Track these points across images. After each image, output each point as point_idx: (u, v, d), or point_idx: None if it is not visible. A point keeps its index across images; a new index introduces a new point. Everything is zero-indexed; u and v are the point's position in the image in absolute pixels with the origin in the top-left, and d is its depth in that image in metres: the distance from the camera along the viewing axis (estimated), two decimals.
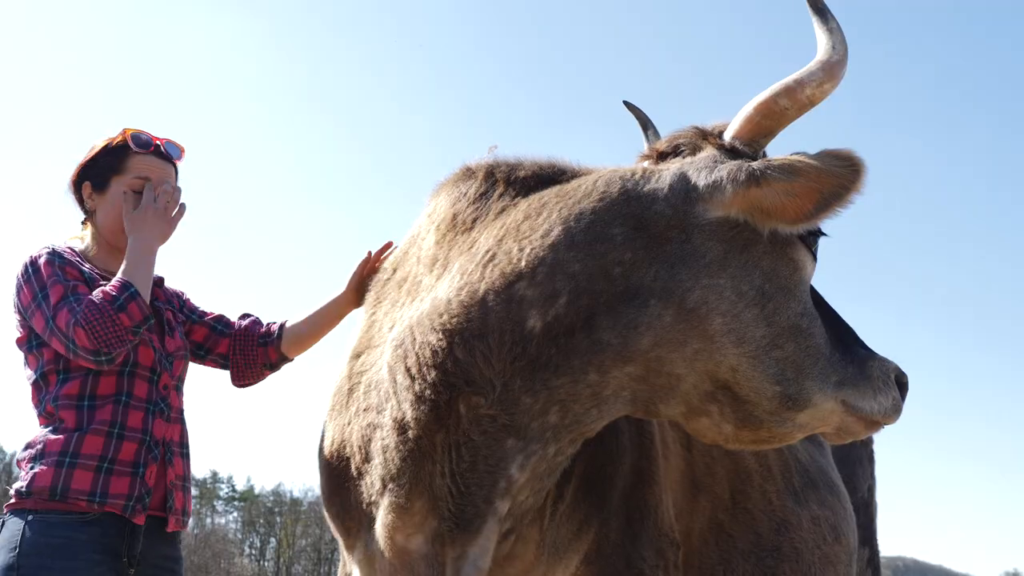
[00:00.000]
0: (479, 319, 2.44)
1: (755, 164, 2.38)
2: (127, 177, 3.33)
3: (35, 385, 3.21)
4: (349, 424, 2.75)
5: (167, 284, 3.60)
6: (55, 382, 3.14)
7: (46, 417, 3.16)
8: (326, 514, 2.92)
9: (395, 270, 2.93)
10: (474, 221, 2.68)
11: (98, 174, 3.37)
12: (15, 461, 3.19)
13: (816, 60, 2.43)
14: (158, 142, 3.40)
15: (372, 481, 2.64)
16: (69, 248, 3.31)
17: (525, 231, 2.49)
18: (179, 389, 3.42)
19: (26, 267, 3.16)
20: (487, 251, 2.52)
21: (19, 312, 3.16)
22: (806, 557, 3.44)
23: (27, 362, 3.23)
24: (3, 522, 3.06)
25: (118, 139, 3.38)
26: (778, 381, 2.40)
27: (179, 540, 3.38)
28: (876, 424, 2.59)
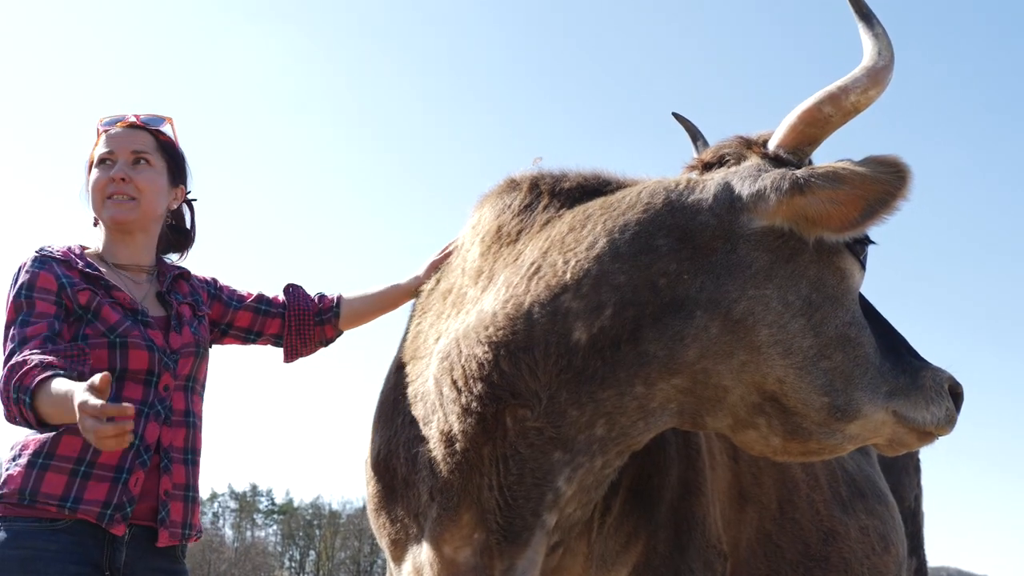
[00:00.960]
0: (525, 331, 2.44)
1: (799, 172, 2.37)
2: (97, 152, 3.21)
3: None
4: (395, 435, 2.75)
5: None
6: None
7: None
8: (372, 525, 2.92)
9: (439, 281, 2.94)
10: (519, 233, 2.68)
11: (87, 171, 3.24)
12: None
13: (861, 66, 2.41)
14: (130, 118, 3.24)
15: (419, 493, 2.64)
16: (66, 249, 3.12)
17: (570, 243, 2.49)
18: (189, 389, 3.14)
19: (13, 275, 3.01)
20: (532, 263, 2.52)
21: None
22: (855, 567, 3.40)
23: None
24: None
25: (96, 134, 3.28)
26: (826, 392, 2.37)
27: (180, 553, 3.09)
28: (929, 435, 2.53)
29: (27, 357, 2.73)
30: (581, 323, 2.40)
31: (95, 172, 3.17)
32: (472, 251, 2.80)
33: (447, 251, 3.14)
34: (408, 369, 2.80)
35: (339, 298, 3.54)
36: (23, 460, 2.84)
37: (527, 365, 2.43)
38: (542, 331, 2.42)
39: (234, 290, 3.50)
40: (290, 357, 3.52)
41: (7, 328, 2.90)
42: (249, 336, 3.47)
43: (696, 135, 3.40)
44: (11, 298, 2.94)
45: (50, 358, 2.74)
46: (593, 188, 2.71)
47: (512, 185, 2.84)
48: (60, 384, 2.59)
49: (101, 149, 3.18)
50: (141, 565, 2.90)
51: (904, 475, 4.42)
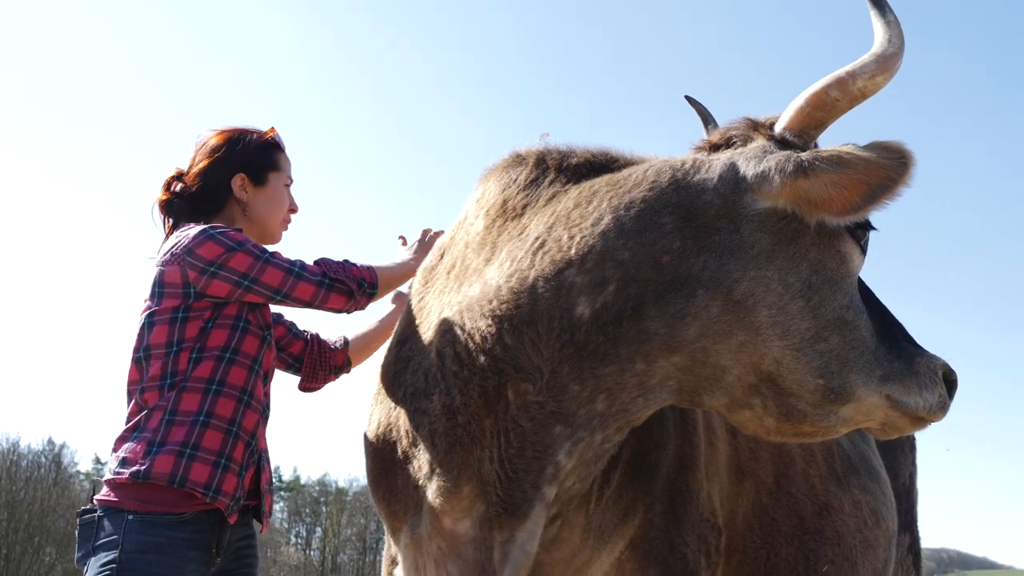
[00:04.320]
0: (528, 305, 2.47)
1: (803, 155, 2.38)
2: (282, 175, 3.53)
3: (154, 360, 3.14)
4: (396, 408, 2.78)
5: None
6: (187, 361, 3.11)
7: (157, 401, 3.11)
8: (372, 497, 2.95)
9: (443, 255, 2.94)
10: (524, 207, 2.69)
11: (257, 168, 3.47)
12: (116, 439, 3.15)
13: (870, 52, 2.41)
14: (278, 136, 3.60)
15: (420, 465, 2.67)
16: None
17: (575, 219, 2.51)
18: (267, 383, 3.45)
19: (209, 232, 3.15)
20: (537, 238, 2.54)
21: (204, 272, 3.10)
22: (847, 540, 3.44)
23: (149, 333, 3.14)
24: (99, 518, 3.08)
25: (268, 134, 3.54)
26: (821, 374, 2.40)
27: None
28: (921, 420, 2.55)
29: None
30: (584, 298, 2.43)
31: (285, 194, 3.55)
32: (476, 224, 2.80)
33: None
34: (410, 343, 2.81)
35: (345, 337, 3.90)
36: (168, 447, 3.05)
37: (530, 339, 2.45)
38: (546, 305, 2.45)
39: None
40: (306, 381, 3.83)
41: (260, 254, 3.16)
42: (277, 347, 3.70)
43: (708, 118, 3.39)
44: (239, 243, 3.15)
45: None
46: (600, 165, 2.72)
47: (518, 159, 2.85)
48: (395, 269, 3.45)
49: (288, 172, 3.57)
50: (233, 537, 3.24)
51: (899, 454, 4.46)
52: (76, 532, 3.16)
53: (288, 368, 3.77)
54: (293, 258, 3.19)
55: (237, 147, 3.46)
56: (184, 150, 3.57)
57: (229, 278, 3.10)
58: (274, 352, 3.42)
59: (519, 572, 2.57)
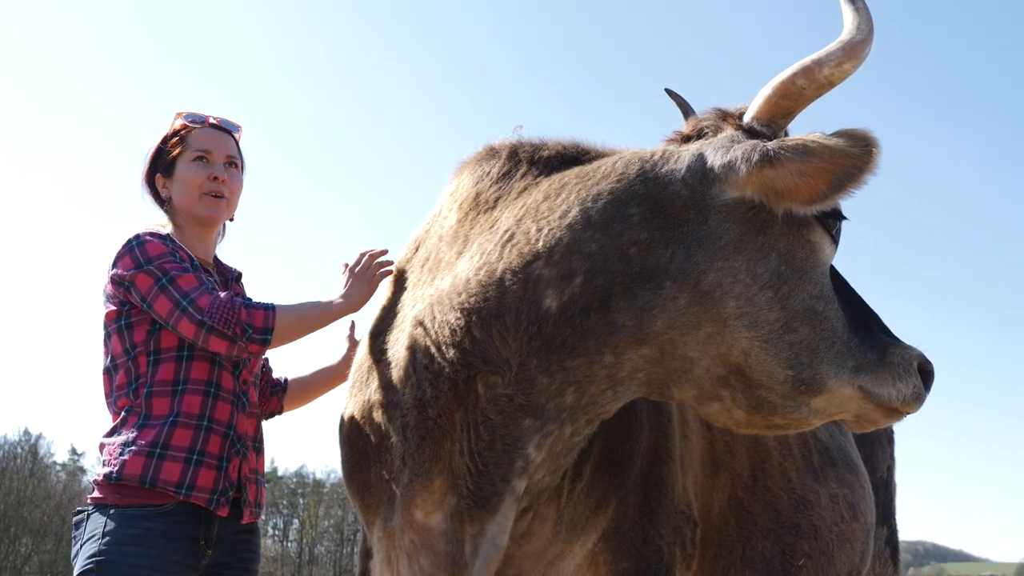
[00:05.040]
0: (496, 298, 2.46)
1: (769, 144, 2.36)
2: (189, 152, 3.44)
3: (119, 369, 3.23)
4: (369, 401, 2.77)
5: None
6: (145, 364, 3.18)
7: (129, 406, 3.20)
8: (347, 490, 2.95)
9: (417, 248, 2.94)
10: (496, 200, 2.69)
11: (165, 161, 3.48)
12: (98, 445, 3.27)
13: (838, 40, 2.39)
14: (212, 119, 3.53)
15: (392, 458, 2.67)
16: (162, 233, 3.34)
17: (544, 211, 2.50)
18: (255, 385, 3.50)
19: (131, 244, 3.21)
20: (506, 231, 2.53)
21: (120, 286, 3.18)
22: (824, 534, 3.44)
23: (110, 343, 3.25)
24: (88, 515, 3.16)
25: (175, 125, 3.50)
26: (791, 365, 2.37)
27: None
28: (895, 412, 2.51)
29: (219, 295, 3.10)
30: (552, 291, 2.42)
31: (193, 168, 3.43)
32: (449, 218, 2.80)
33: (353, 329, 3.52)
34: (384, 336, 2.81)
35: (286, 378, 3.82)
36: (138, 448, 3.10)
37: (498, 332, 2.44)
38: (513, 298, 2.44)
39: None
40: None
41: (160, 277, 3.11)
42: None
43: (688, 111, 3.33)
44: (148, 260, 3.14)
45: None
46: (572, 157, 2.72)
47: (491, 153, 2.85)
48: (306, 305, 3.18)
49: (197, 146, 3.45)
50: (226, 531, 3.25)
51: (877, 446, 4.45)
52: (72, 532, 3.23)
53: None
54: (206, 289, 3.11)
55: (152, 151, 3.52)
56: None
57: (136, 296, 3.15)
58: None
59: (490, 565, 2.56)
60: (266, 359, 3.74)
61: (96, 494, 3.17)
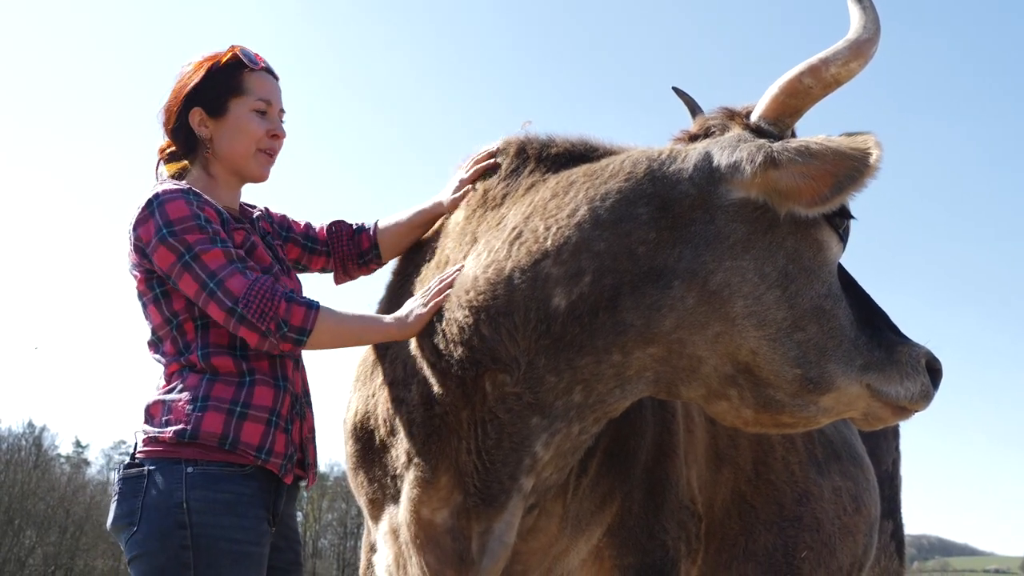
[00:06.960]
0: (505, 296, 2.46)
1: (774, 145, 2.36)
2: (249, 99, 2.94)
3: (164, 340, 2.80)
4: (374, 396, 2.78)
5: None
6: (193, 331, 2.75)
7: (188, 366, 2.76)
8: (351, 484, 2.96)
9: (422, 244, 2.95)
10: (504, 197, 2.70)
11: (213, 97, 2.93)
12: (150, 405, 2.75)
13: (844, 38, 2.39)
14: (263, 62, 3.02)
15: (398, 454, 2.68)
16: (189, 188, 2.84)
17: (552, 209, 2.50)
18: None
19: (151, 205, 2.74)
20: (514, 228, 2.53)
21: (144, 257, 2.75)
22: (826, 527, 3.45)
23: (149, 315, 2.81)
24: (149, 471, 2.66)
25: (227, 56, 2.96)
26: (799, 364, 2.37)
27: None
28: (904, 410, 2.50)
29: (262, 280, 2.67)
30: (560, 289, 2.42)
31: (255, 119, 2.94)
32: (457, 214, 2.81)
33: (478, 166, 2.93)
34: None
35: (375, 235, 3.28)
36: (216, 404, 2.69)
37: (507, 330, 2.45)
38: (522, 296, 2.44)
39: (284, 217, 3.28)
40: (339, 281, 3.38)
41: (184, 252, 2.68)
42: (296, 267, 3.25)
43: (695, 110, 3.35)
44: (168, 225, 2.70)
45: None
46: (580, 154, 2.72)
47: (499, 149, 2.85)
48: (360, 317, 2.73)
49: (260, 93, 2.95)
50: (285, 510, 2.86)
51: (882, 440, 4.45)
52: (117, 490, 2.74)
53: (317, 272, 3.35)
54: (237, 268, 2.67)
55: (193, 77, 2.96)
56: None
57: (159, 271, 2.73)
58: (294, 284, 2.98)
59: (497, 563, 2.57)
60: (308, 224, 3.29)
61: (158, 448, 2.67)
